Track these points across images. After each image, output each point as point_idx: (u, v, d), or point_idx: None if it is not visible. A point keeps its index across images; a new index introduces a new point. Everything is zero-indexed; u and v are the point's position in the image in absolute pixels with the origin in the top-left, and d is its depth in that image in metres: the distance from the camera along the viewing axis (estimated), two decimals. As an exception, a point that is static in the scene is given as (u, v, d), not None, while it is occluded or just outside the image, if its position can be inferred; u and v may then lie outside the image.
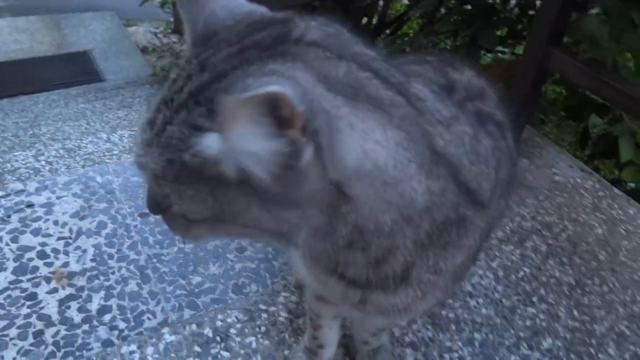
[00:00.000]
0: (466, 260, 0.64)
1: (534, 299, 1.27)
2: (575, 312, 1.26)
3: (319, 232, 0.49)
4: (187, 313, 1.11)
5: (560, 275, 1.35)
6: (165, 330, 1.07)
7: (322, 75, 0.43)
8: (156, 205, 0.47)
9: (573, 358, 1.16)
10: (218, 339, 1.07)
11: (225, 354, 1.05)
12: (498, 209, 0.65)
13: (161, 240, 1.25)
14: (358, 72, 0.46)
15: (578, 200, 1.59)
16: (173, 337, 1.06)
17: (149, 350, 1.03)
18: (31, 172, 1.71)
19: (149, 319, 1.09)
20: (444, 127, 0.52)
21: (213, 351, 1.05)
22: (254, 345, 1.07)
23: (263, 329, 1.11)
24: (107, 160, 1.66)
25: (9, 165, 1.72)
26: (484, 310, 1.23)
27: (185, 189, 0.43)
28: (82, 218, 1.26)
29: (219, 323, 1.10)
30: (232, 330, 1.09)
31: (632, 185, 2.07)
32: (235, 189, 0.42)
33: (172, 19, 4.51)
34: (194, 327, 1.09)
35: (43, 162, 1.75)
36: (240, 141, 0.38)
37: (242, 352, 1.06)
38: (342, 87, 0.44)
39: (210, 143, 0.39)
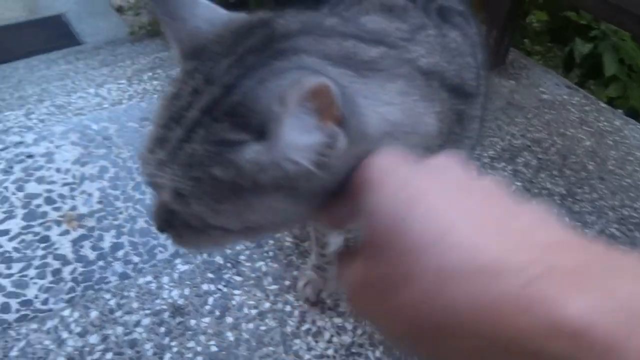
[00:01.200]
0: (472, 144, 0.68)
1: (528, 209, 1.33)
2: (567, 219, 1.32)
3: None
4: (197, 244, 1.15)
5: (551, 186, 1.40)
6: (178, 260, 1.12)
7: (325, 57, 0.43)
8: (166, 222, 0.45)
9: (566, 259, 1.23)
10: (229, 265, 1.12)
11: (238, 278, 1.10)
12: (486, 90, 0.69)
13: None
14: (343, 43, 0.46)
15: (565, 116, 1.63)
16: (186, 267, 1.11)
17: (165, 279, 1.08)
18: (24, 130, 1.71)
19: (160, 252, 1.13)
20: (416, 44, 0.53)
21: (225, 276, 1.10)
22: (264, 268, 1.12)
23: (271, 254, 1.15)
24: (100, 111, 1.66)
25: (1, 125, 1.71)
26: (480, 223, 1.29)
27: (218, 204, 0.41)
28: (83, 164, 1.28)
29: (228, 251, 1.14)
30: (242, 257, 1.14)
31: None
32: (270, 192, 0.41)
33: (145, -26, 4.37)
34: (204, 256, 1.13)
35: (35, 120, 1.74)
36: (292, 138, 0.37)
37: (253, 275, 1.11)
38: (342, 63, 0.44)
39: (250, 154, 0.38)
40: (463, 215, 0.26)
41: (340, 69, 0.43)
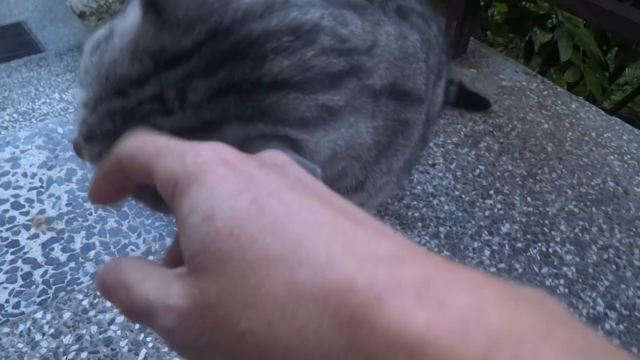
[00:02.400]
0: (415, 150, 0.69)
1: (491, 192, 1.38)
2: (529, 199, 1.37)
3: None
4: (169, 241, 1.16)
5: (513, 168, 1.45)
6: (151, 258, 1.12)
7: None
8: None
9: (529, 237, 1.28)
10: (202, 259, 1.13)
11: (211, 271, 1.11)
12: (435, 93, 0.68)
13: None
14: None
15: (525, 101, 1.69)
16: (159, 263, 1.11)
17: (138, 277, 1.08)
18: (-13, 138, 1.69)
19: (132, 250, 1.13)
20: (374, 57, 0.50)
21: (199, 270, 1.11)
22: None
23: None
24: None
25: (-38, 134, 1.68)
26: (446, 207, 1.33)
27: None
28: (50, 168, 1.28)
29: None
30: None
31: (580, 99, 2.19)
32: None
33: (106, -21, 4.31)
34: (177, 252, 1.14)
35: (-2, 128, 1.72)
36: None
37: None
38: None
39: None
40: (311, 225, 0.22)
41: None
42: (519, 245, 1.26)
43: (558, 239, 1.28)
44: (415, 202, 1.33)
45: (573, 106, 1.69)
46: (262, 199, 0.23)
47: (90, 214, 1.19)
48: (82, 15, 4.39)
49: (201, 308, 0.22)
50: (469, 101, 1.63)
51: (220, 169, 0.24)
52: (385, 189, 0.70)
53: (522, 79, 1.79)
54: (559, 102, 1.70)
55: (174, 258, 0.28)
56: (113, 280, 0.26)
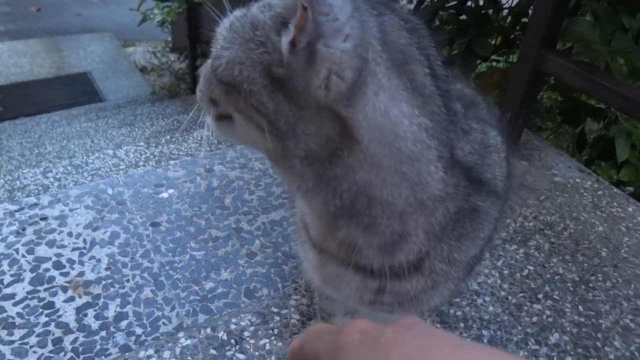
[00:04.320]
0: (479, 251, 0.67)
1: (540, 296, 1.30)
2: (581, 308, 1.28)
3: (317, 169, 0.52)
4: (201, 318, 1.13)
5: (564, 272, 1.37)
6: (181, 334, 1.10)
7: (386, 33, 0.50)
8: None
9: (580, 351, 1.19)
10: (232, 341, 1.10)
11: (241, 356, 1.07)
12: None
13: (173, 249, 1.28)
14: (417, 53, 0.51)
15: (578, 200, 1.63)
16: (189, 341, 1.08)
17: (166, 354, 1.06)
18: (40, 188, 1.74)
19: (164, 324, 1.11)
20: (465, 140, 0.57)
21: (228, 353, 1.07)
22: (267, 346, 1.10)
23: (276, 331, 1.13)
24: (115, 175, 1.69)
25: (18, 182, 1.75)
26: (491, 308, 1.26)
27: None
28: (95, 229, 1.29)
29: (232, 326, 1.12)
30: (246, 333, 1.12)
31: (630, 189, 2.11)
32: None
33: (170, 38, 4.58)
34: (208, 330, 1.11)
35: (52, 179, 1.78)
36: None
37: (256, 353, 1.08)
38: (394, 52, 0.49)
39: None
40: None
41: (382, 47, 0.49)
42: (569, 359, 1.17)
43: (612, 357, 1.18)
44: (458, 300, 1.27)
45: (630, 209, 1.61)
46: (388, 351, 0.29)
47: (128, 280, 1.18)
48: (143, 70, 4.64)
49: None
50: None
51: (356, 342, 0.31)
52: (444, 282, 0.66)
53: (576, 175, 1.74)
54: (615, 203, 1.63)
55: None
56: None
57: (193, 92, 3.87)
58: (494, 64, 2.84)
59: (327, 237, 0.63)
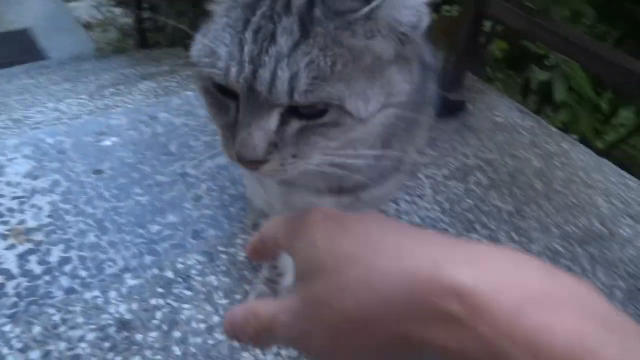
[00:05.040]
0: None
1: (477, 226, 1.37)
2: (514, 235, 1.36)
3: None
4: (147, 259, 1.14)
5: (501, 204, 1.44)
6: (127, 275, 1.11)
7: None
8: (271, 145, 0.47)
9: (513, 276, 1.26)
10: (180, 279, 1.12)
11: (188, 292, 1.10)
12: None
13: (117, 195, 1.27)
14: None
15: (517, 138, 1.69)
16: (135, 281, 1.10)
17: (113, 294, 1.07)
18: (-22, 143, 1.68)
19: (109, 266, 1.12)
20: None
21: (175, 291, 1.09)
22: (215, 283, 1.12)
23: (224, 268, 1.15)
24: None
25: (-47, 138, 1.68)
26: (431, 240, 1.31)
27: (354, 80, 0.45)
28: (35, 178, 1.27)
29: (179, 266, 1.14)
30: (193, 272, 1.14)
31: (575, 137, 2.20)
32: (389, 65, 0.48)
33: (114, -8, 4.37)
34: (155, 270, 1.12)
35: (-11, 134, 1.71)
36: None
37: (204, 289, 1.11)
38: None
39: (369, 11, 0.44)
40: (385, 234, 0.34)
41: None
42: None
43: (542, 279, 1.27)
44: (400, 233, 1.32)
45: (564, 146, 1.69)
46: (350, 227, 0.35)
47: (71, 227, 1.18)
48: (88, 26, 4.43)
49: (309, 302, 0.33)
50: (446, 107, 1.72)
51: (321, 220, 0.36)
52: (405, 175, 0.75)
53: (516, 116, 1.80)
54: (551, 141, 1.71)
55: (259, 251, 0.43)
56: (244, 312, 0.38)
57: (142, 47, 3.74)
58: (445, 13, 2.87)
59: (317, 179, 0.65)
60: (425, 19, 0.47)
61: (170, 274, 1.12)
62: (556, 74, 1.90)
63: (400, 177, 0.74)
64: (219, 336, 1.03)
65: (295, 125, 0.46)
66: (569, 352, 0.24)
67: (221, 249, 1.19)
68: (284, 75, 0.42)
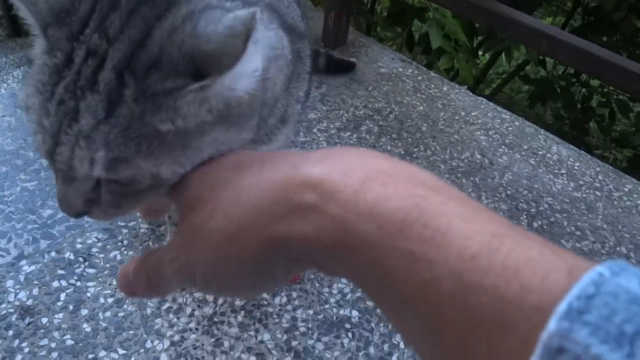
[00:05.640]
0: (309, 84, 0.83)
1: (372, 171, 1.45)
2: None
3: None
4: (43, 243, 1.10)
5: (392, 148, 1.54)
6: (23, 262, 1.07)
7: None
8: (88, 201, 0.43)
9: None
10: (81, 259, 1.09)
11: (91, 270, 1.08)
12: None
13: (1, 183, 1.20)
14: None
15: (401, 86, 1.79)
16: (33, 267, 1.06)
17: (9, 282, 1.03)
18: None
19: (2, 256, 1.07)
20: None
21: (77, 270, 1.07)
22: (118, 257, 1.11)
23: (125, 242, 1.14)
24: None
25: None
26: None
27: (165, 154, 0.40)
28: None
29: (79, 246, 1.12)
30: (94, 249, 1.12)
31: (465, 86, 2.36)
32: (211, 127, 0.41)
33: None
34: (53, 254, 1.09)
35: None
36: (243, 68, 0.39)
37: (107, 265, 1.09)
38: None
39: (192, 95, 0.39)
40: (242, 156, 0.39)
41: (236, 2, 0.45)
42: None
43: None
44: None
45: (445, 89, 1.82)
46: (221, 160, 0.39)
47: (-48, 222, 1.10)
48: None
49: (189, 231, 0.35)
50: (337, 67, 1.80)
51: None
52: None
53: (399, 65, 1.90)
54: (432, 85, 1.83)
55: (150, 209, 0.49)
56: (134, 263, 0.40)
57: (15, 35, 3.46)
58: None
59: None
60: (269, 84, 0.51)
61: (70, 255, 1.09)
62: (431, 23, 2.02)
63: (286, 131, 0.77)
64: (129, 307, 1.03)
65: (112, 188, 0.42)
66: (400, 211, 0.28)
67: (121, 223, 1.17)
68: (82, 154, 0.39)
